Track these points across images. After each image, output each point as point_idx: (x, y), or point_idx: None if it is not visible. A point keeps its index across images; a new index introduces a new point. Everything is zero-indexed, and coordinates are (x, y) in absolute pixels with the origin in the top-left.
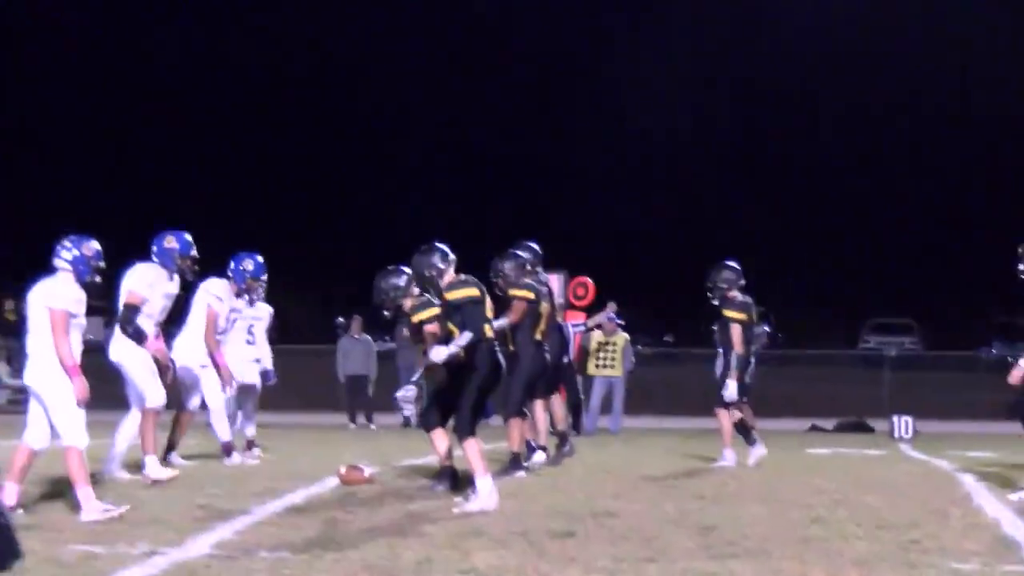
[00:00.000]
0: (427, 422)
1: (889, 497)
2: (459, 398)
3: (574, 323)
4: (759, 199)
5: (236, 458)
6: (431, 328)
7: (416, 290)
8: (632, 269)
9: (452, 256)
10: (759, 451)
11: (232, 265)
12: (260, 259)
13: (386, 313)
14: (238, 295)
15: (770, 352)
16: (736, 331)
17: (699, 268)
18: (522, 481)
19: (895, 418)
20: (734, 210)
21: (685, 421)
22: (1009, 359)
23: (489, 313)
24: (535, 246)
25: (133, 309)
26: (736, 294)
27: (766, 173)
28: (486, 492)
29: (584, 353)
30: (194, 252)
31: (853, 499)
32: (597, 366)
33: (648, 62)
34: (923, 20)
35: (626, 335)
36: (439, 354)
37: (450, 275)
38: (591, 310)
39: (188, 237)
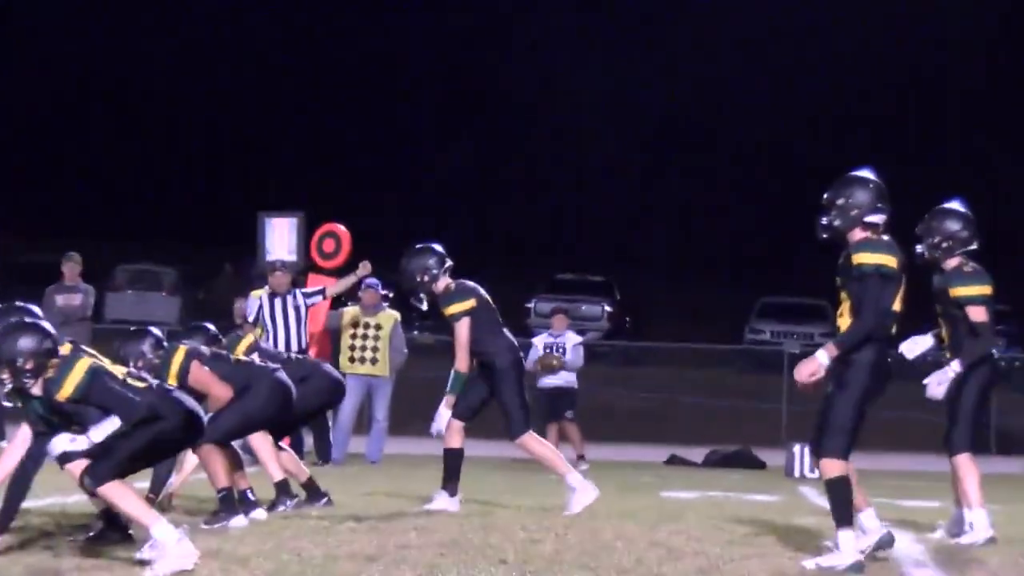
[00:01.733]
0: None
1: (777, 566)
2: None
3: (308, 291)
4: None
5: None
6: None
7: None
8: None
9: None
10: (583, 492)
11: None
12: None
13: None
14: None
15: (610, 344)
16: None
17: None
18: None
19: (795, 448)
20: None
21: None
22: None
23: None
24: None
25: None
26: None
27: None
28: None
29: (334, 340)
30: None
31: (721, 567)
32: (351, 360)
33: None
34: None
35: (395, 313)
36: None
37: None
38: (346, 273)
39: None
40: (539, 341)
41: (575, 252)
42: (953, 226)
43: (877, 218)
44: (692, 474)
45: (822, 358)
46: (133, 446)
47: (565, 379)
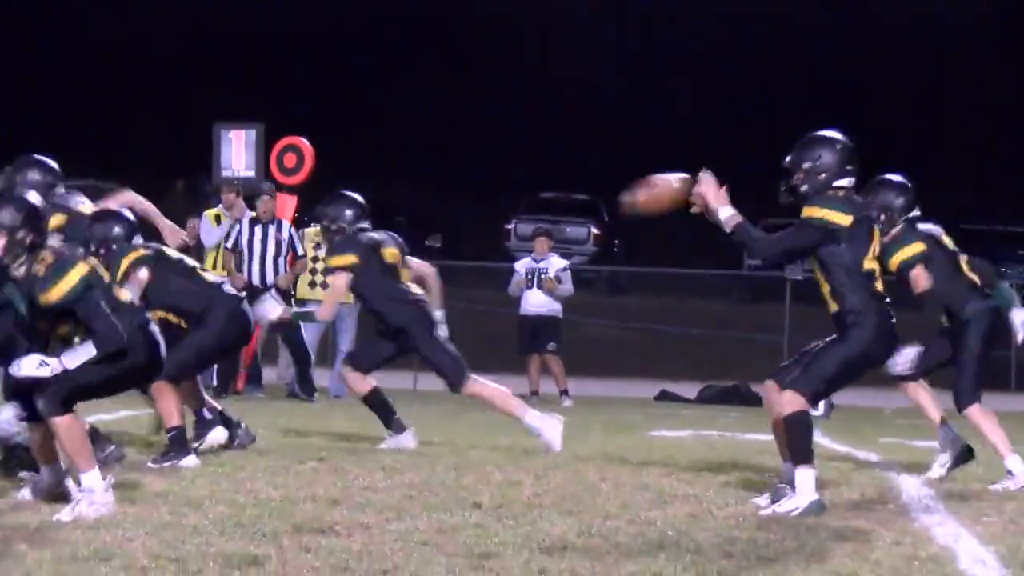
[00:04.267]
0: None
1: (776, 515)
2: None
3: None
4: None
5: None
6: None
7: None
8: None
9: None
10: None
11: None
12: None
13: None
14: None
15: (596, 270)
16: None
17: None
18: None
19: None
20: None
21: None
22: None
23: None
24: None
25: None
26: None
27: None
28: None
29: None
30: None
31: (719, 514)
32: (312, 284)
33: None
34: None
35: None
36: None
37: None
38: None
39: None
40: (520, 266)
41: (558, 169)
42: (888, 197)
43: (845, 181)
44: (684, 411)
45: (726, 211)
46: (92, 378)
47: (549, 307)
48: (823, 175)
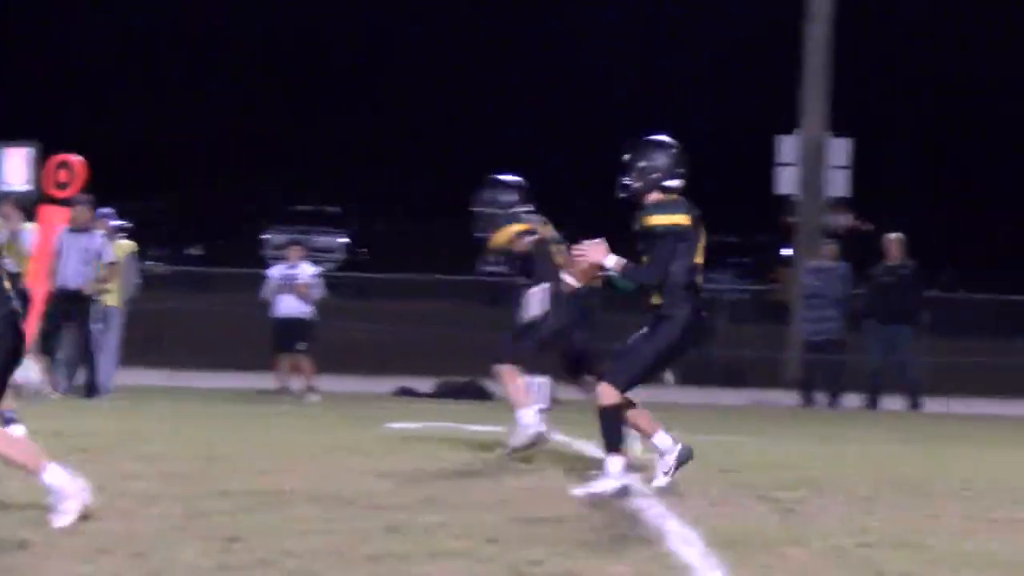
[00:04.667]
0: None
1: (502, 494)
2: None
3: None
4: None
5: None
6: None
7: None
8: None
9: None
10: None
11: None
12: None
13: None
14: None
15: (343, 276)
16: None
17: None
18: None
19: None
20: None
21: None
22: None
23: None
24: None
25: None
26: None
27: None
28: None
29: None
30: None
31: (450, 498)
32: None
33: None
34: None
35: (130, 244)
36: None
37: None
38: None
39: None
40: (275, 272)
41: (311, 183)
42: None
43: (675, 183)
44: (420, 405)
45: (610, 260)
46: None
47: (300, 310)
48: (656, 175)
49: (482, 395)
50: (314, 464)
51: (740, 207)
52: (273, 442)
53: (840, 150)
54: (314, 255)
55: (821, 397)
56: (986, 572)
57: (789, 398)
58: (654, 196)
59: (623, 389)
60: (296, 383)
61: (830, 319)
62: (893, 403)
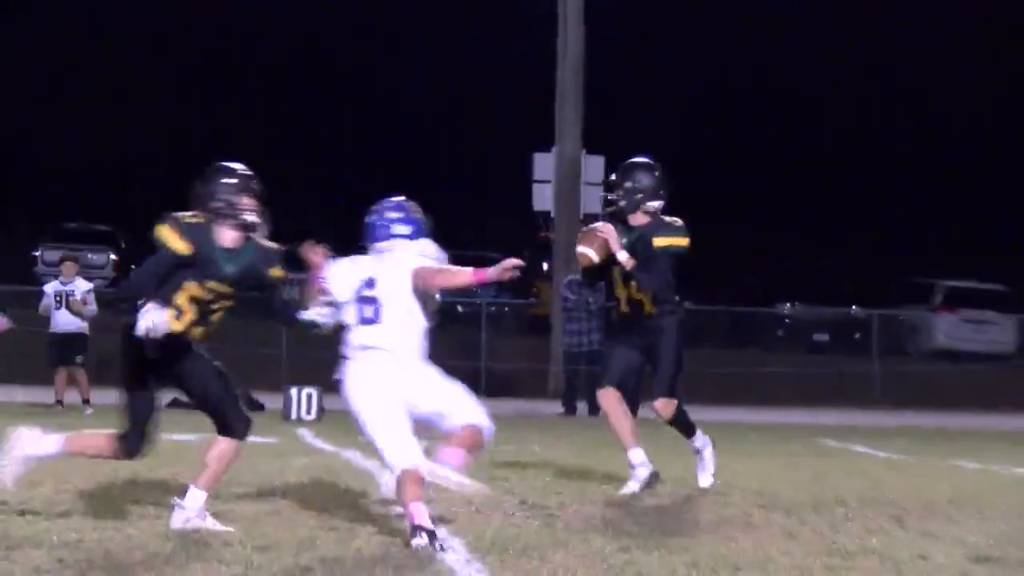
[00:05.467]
0: None
1: (274, 503)
2: None
3: None
4: None
5: None
6: None
7: None
8: None
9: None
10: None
11: None
12: None
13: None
14: None
15: (114, 291)
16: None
17: None
18: None
19: (292, 391)
20: None
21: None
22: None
23: None
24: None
25: None
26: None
27: None
28: None
29: None
30: None
31: (220, 507)
32: None
33: None
34: None
35: None
36: None
37: None
38: None
39: None
40: (50, 288)
41: (80, 202)
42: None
43: (657, 203)
44: (195, 417)
45: (622, 254)
46: None
47: (78, 325)
48: (640, 195)
49: (254, 406)
50: (86, 474)
51: (501, 221)
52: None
53: (595, 167)
54: (85, 271)
55: (583, 406)
56: (749, 572)
57: (554, 407)
58: (640, 217)
59: (675, 395)
60: (71, 395)
61: (590, 331)
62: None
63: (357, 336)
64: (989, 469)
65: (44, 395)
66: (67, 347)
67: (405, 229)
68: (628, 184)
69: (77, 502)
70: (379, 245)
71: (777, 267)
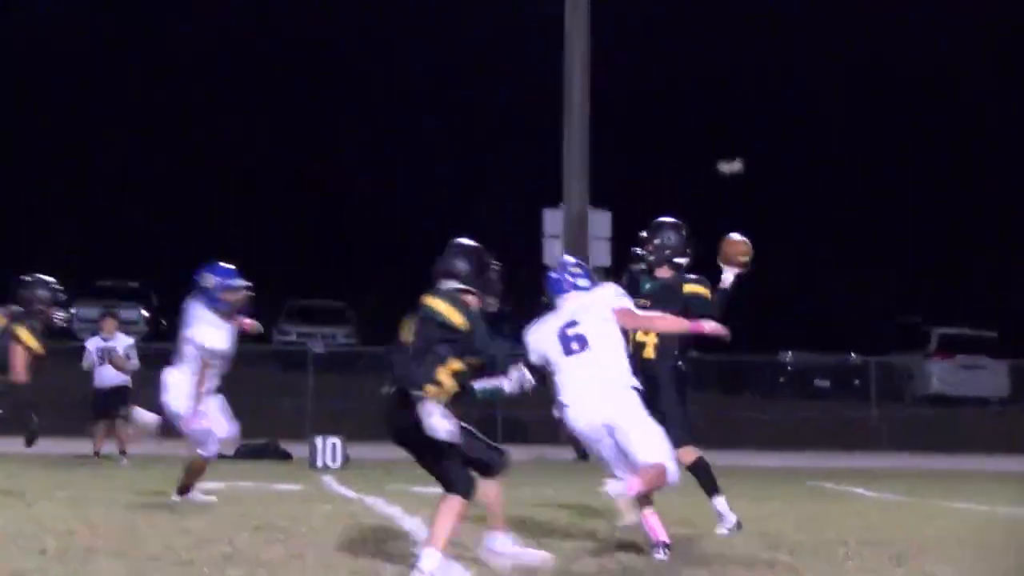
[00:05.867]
0: None
1: (299, 548)
2: None
3: None
4: None
5: None
6: None
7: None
8: None
9: None
10: None
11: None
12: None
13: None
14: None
15: (146, 347)
16: None
17: None
18: None
19: (318, 440)
20: None
21: None
22: None
23: None
24: None
25: None
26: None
27: None
28: None
29: None
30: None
31: (247, 552)
32: None
33: None
34: None
35: None
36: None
37: None
38: None
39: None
40: (92, 344)
41: (111, 259)
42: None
43: (683, 260)
44: (223, 466)
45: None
46: None
47: (122, 378)
48: (668, 251)
49: (281, 455)
50: (119, 522)
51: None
52: (81, 500)
53: (601, 222)
54: (119, 327)
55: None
56: None
57: (567, 453)
58: (666, 271)
59: (689, 442)
60: (109, 447)
61: None
62: None
63: (567, 370)
64: (983, 509)
65: (85, 445)
66: (110, 400)
67: (584, 283)
68: (657, 241)
69: None
70: (564, 296)
71: (772, 313)
